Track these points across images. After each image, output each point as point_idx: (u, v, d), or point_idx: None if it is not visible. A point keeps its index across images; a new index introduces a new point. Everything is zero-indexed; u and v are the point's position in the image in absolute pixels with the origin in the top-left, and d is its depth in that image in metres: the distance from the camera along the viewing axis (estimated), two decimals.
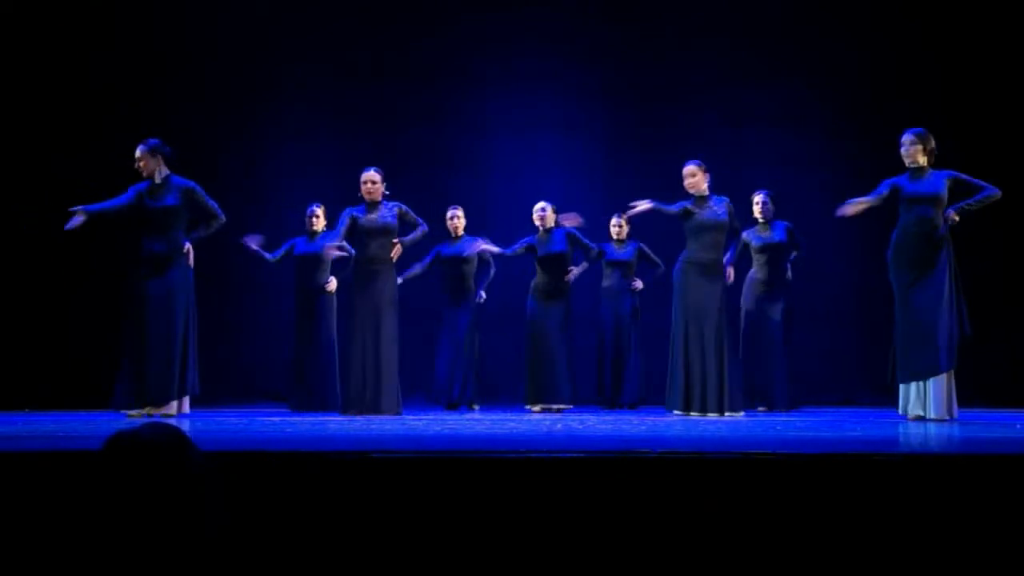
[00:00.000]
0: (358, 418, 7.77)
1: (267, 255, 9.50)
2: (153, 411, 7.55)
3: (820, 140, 10.90)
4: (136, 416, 7.44)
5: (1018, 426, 6.52)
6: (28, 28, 10.31)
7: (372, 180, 8.44)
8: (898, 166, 7.59)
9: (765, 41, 10.89)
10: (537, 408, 9.03)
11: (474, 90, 11.32)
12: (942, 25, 10.54)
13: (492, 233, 9.92)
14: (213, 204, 7.90)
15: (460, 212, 9.84)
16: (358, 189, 8.50)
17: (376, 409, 8.12)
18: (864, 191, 7.63)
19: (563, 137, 11.36)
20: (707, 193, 8.21)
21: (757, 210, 9.35)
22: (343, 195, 9.59)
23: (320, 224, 9.53)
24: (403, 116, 11.14)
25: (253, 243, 9.40)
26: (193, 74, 10.66)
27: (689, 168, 8.25)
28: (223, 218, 7.97)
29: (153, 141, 7.85)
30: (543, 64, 11.23)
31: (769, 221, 9.34)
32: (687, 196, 8.25)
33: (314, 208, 9.56)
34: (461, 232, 9.78)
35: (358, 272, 8.44)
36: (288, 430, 6.27)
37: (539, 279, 9.38)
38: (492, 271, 9.88)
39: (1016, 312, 10.22)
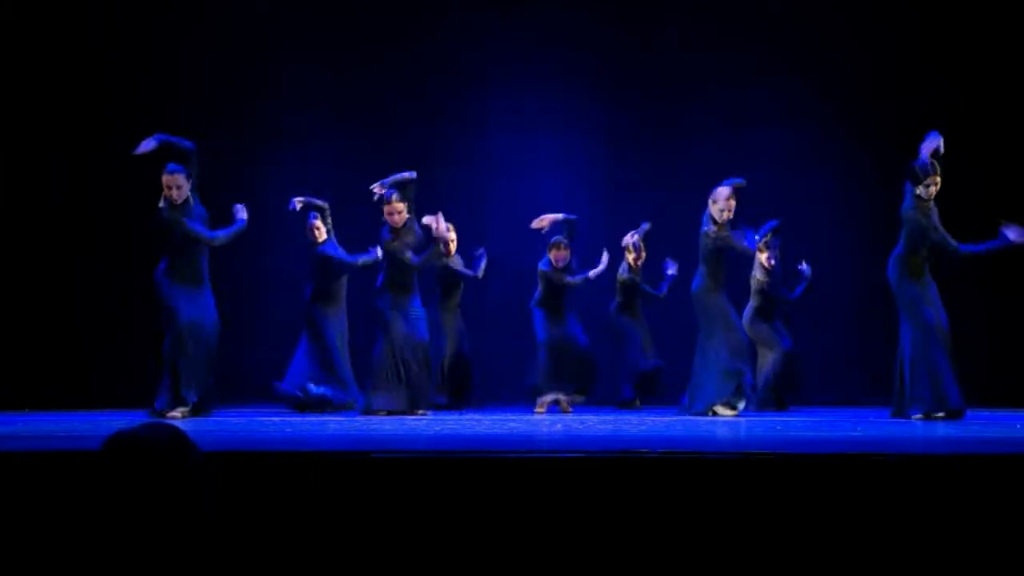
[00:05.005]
0: (358, 418, 7.76)
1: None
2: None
3: (820, 140, 10.89)
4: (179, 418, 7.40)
5: (1018, 426, 6.52)
6: (29, 28, 10.31)
7: (397, 211, 8.21)
8: (897, 167, 7.63)
9: (765, 41, 10.87)
10: (549, 399, 8.84)
11: (474, 90, 11.29)
12: (942, 25, 10.53)
13: (491, 233, 9.90)
14: (198, 228, 7.70)
15: (452, 235, 9.42)
16: (357, 189, 8.48)
17: (408, 408, 8.07)
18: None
19: (563, 137, 11.34)
20: None
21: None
22: (343, 196, 9.61)
23: (321, 235, 9.38)
24: (403, 116, 11.12)
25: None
26: (193, 74, 10.65)
27: (730, 191, 7.94)
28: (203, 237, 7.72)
29: (178, 165, 7.75)
30: (543, 64, 11.21)
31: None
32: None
33: (312, 220, 9.39)
34: (453, 249, 9.55)
35: (391, 284, 8.30)
36: (288, 430, 6.28)
37: (544, 296, 9.09)
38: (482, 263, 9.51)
39: (1016, 312, 10.21)
